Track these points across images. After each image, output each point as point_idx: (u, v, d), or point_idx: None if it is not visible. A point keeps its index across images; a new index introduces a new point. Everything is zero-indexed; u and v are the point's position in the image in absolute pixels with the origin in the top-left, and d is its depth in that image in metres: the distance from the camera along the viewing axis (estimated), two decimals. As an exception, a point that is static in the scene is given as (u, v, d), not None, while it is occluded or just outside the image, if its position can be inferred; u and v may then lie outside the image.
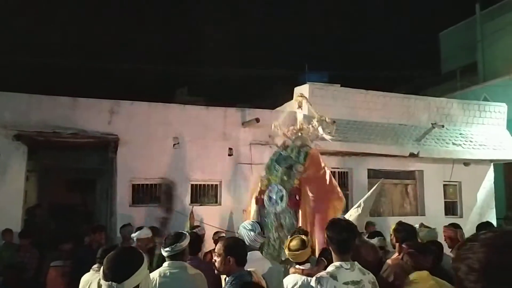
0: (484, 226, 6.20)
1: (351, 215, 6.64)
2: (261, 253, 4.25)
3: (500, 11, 15.32)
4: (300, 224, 5.95)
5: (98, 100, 9.20)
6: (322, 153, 10.47)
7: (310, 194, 6.12)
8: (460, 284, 0.87)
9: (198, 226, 7.98)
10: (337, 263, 3.01)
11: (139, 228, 6.38)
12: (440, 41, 19.40)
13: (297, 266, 3.92)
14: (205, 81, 19.61)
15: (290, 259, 4.04)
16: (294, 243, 3.99)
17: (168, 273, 3.43)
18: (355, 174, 10.88)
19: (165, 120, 9.53)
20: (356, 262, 3.05)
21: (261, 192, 6.55)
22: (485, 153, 11.53)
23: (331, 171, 10.94)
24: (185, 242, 3.56)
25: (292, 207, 6.20)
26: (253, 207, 6.71)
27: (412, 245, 3.71)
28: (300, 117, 7.33)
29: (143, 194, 9.37)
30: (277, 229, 6.26)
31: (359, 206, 6.53)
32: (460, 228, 5.83)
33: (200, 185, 9.90)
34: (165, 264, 3.51)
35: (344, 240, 3.05)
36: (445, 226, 5.96)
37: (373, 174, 11.11)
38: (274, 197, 6.39)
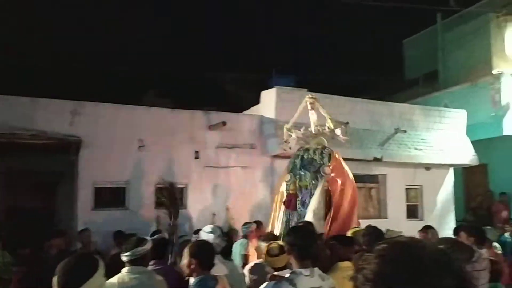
0: (427, 227, 6.49)
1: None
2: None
3: (459, 21, 15.90)
4: (329, 221, 6.06)
5: (60, 100, 8.95)
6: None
7: (335, 193, 6.31)
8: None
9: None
10: (296, 270, 2.97)
11: (156, 233, 6.19)
12: (404, 49, 19.95)
13: (275, 273, 3.89)
14: (173, 84, 19.42)
15: (269, 264, 4.00)
16: (273, 248, 3.96)
17: (127, 279, 3.30)
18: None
19: (131, 122, 9.38)
20: (316, 268, 3.02)
21: (291, 196, 6.51)
22: (445, 157, 11.93)
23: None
24: (147, 247, 3.45)
25: (327, 208, 6.30)
26: (281, 212, 6.61)
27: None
28: (313, 118, 7.34)
29: (107, 197, 9.18)
30: None
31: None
32: (433, 228, 6.10)
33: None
34: (124, 269, 3.37)
35: (304, 246, 3.02)
36: (419, 231, 6.22)
37: (338, 178, 11.27)
38: (307, 201, 6.42)
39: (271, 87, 11.34)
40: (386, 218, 11.40)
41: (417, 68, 17.93)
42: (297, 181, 6.65)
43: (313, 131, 7.24)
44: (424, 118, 12.21)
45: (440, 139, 12.12)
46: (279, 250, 3.87)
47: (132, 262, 3.36)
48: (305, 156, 6.80)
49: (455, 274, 0.90)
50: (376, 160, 11.01)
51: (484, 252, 3.85)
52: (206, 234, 3.98)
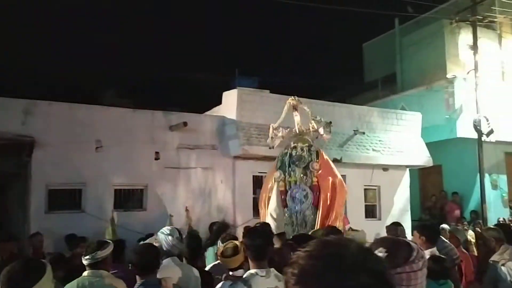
0: (396, 223, 6.76)
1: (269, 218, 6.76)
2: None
3: (416, 26, 16.44)
4: (319, 218, 6.24)
5: (11, 99, 8.59)
6: (250, 158, 10.63)
7: (325, 190, 6.65)
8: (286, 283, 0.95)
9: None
10: (252, 270, 2.98)
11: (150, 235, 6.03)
12: (363, 52, 20.42)
13: (230, 273, 3.87)
14: (134, 83, 19.07)
15: (224, 265, 3.97)
16: (227, 249, 3.92)
17: (87, 283, 3.26)
18: (281, 179, 11.08)
19: (88, 122, 9.11)
20: (272, 269, 3.03)
21: (281, 193, 6.70)
22: (402, 159, 12.27)
23: (258, 176, 11.15)
24: (107, 251, 3.41)
25: (315, 204, 6.60)
26: (271, 207, 6.73)
27: (295, 236, 3.98)
28: (297, 119, 7.58)
29: (62, 200, 8.87)
30: (300, 227, 6.33)
31: (271, 212, 6.68)
32: (401, 225, 6.31)
33: (124, 190, 9.57)
34: (85, 273, 3.35)
35: (260, 246, 3.02)
36: (387, 226, 6.46)
37: (299, 179, 11.39)
38: (298, 196, 6.65)
39: (234, 88, 11.32)
40: (345, 218, 11.60)
41: (376, 71, 18.38)
42: (287, 177, 6.88)
43: (297, 131, 7.49)
44: (382, 120, 12.52)
45: (397, 140, 12.46)
46: (233, 251, 3.86)
47: (92, 265, 3.33)
48: (293, 153, 7.06)
49: (373, 273, 0.93)
50: (336, 161, 11.17)
51: (428, 251, 3.98)
52: (164, 236, 3.91)
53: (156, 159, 9.69)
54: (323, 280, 0.90)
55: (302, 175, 6.84)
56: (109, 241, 3.69)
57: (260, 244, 3.02)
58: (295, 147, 7.19)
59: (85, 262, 3.35)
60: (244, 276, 3.01)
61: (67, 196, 8.96)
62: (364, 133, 11.83)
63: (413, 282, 1.27)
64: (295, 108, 7.64)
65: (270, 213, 6.39)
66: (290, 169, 6.94)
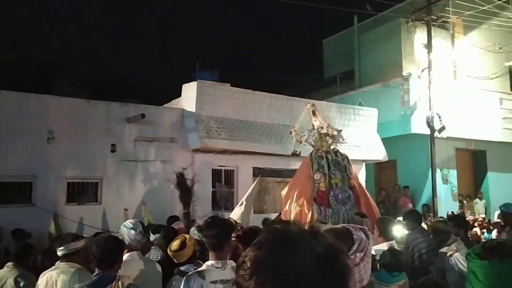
0: (362, 215, 6.92)
1: (235, 213, 6.80)
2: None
3: (374, 24, 16.81)
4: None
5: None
6: (209, 151, 10.57)
7: (362, 192, 7.41)
8: (238, 285, 0.95)
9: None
10: (209, 262, 2.99)
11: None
12: (323, 48, 20.68)
13: (180, 268, 3.84)
14: (92, 74, 18.47)
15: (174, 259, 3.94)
16: (174, 244, 3.92)
17: (57, 274, 3.36)
18: (240, 172, 11.09)
19: (39, 112, 8.76)
20: (230, 261, 3.03)
21: (323, 193, 7.12)
22: (359, 153, 12.54)
23: (217, 169, 11.10)
24: (81, 243, 3.47)
25: (357, 204, 7.20)
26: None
27: (244, 229, 4.09)
28: (317, 124, 8.26)
29: (10, 193, 8.49)
30: None
31: (241, 204, 6.74)
32: (366, 217, 6.46)
33: (78, 183, 9.28)
34: (57, 264, 3.44)
35: (217, 238, 3.02)
36: (356, 214, 6.72)
37: (258, 172, 11.42)
38: (341, 197, 7.16)
39: (194, 80, 11.18)
40: (303, 211, 11.74)
41: (335, 67, 18.65)
42: (327, 180, 7.39)
43: (317, 136, 8.16)
44: (340, 115, 12.74)
45: (355, 136, 12.72)
46: (180, 245, 3.86)
47: (66, 257, 3.42)
48: (329, 158, 7.64)
49: (323, 244, 0.95)
50: (294, 155, 11.28)
51: (386, 244, 4.09)
52: (126, 230, 3.81)
53: (112, 151, 9.45)
54: (273, 262, 0.91)
55: (341, 177, 7.45)
56: (84, 236, 3.80)
57: (217, 235, 3.01)
58: (328, 152, 7.79)
59: (59, 253, 3.44)
60: (200, 268, 3.00)
61: (16, 189, 8.60)
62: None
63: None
64: (314, 113, 8.35)
65: (244, 206, 6.52)
66: (330, 171, 7.46)
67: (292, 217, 7.16)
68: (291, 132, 8.43)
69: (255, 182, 7.32)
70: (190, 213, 9.74)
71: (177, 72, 15.81)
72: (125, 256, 3.58)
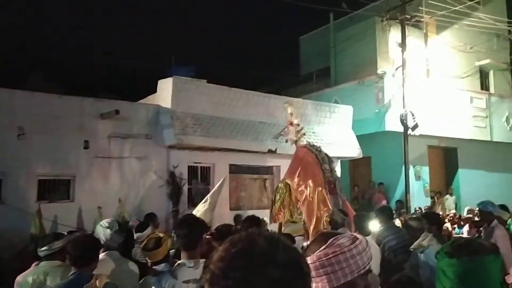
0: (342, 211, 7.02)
1: (199, 210, 6.76)
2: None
3: (349, 22, 16.97)
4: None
5: None
6: (185, 148, 10.49)
7: None
8: None
9: None
10: (181, 261, 2.97)
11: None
12: (300, 45, 20.77)
13: (153, 267, 3.78)
14: (65, 68, 18.04)
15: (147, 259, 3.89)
16: (149, 242, 3.85)
17: (42, 274, 3.32)
18: (217, 169, 11.04)
19: (8, 107, 8.51)
20: (202, 260, 2.99)
21: (331, 183, 7.08)
22: (334, 150, 12.60)
23: (194, 166, 11.03)
24: (63, 242, 3.42)
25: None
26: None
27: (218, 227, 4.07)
28: (296, 121, 8.23)
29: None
30: None
31: (205, 201, 6.71)
32: (347, 215, 6.51)
33: (50, 180, 9.07)
34: (41, 264, 3.38)
35: (189, 236, 3.00)
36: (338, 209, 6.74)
37: (235, 169, 11.42)
38: (341, 186, 7.35)
39: (170, 76, 11.05)
40: (279, 208, 11.79)
41: (312, 65, 18.76)
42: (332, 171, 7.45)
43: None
44: (316, 112, 12.82)
45: (330, 133, 12.84)
46: (155, 244, 3.80)
47: (49, 256, 3.38)
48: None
49: (282, 264, 0.94)
50: (271, 152, 11.33)
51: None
52: (102, 229, 3.74)
53: (86, 148, 9.27)
54: (231, 279, 0.91)
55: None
56: (64, 233, 3.77)
57: (189, 234, 2.99)
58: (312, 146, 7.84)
59: (41, 253, 3.39)
60: (172, 268, 2.97)
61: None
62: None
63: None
64: (292, 110, 8.39)
65: (210, 203, 6.43)
66: (332, 162, 7.54)
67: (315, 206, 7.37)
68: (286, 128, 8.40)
69: (221, 180, 7.27)
70: (179, 211, 9.68)
71: (153, 68, 15.62)
72: (101, 255, 3.53)
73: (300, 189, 7.54)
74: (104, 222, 3.86)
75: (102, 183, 9.53)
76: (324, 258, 1.36)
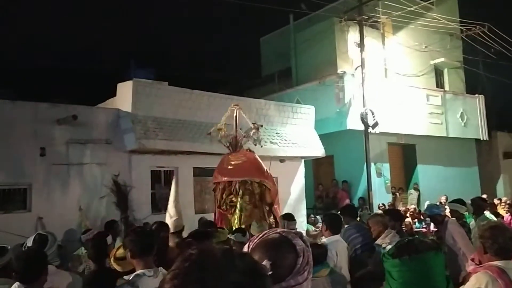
0: (287, 216, 7.04)
1: (170, 223, 6.59)
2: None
3: (309, 23, 17.19)
4: None
5: None
6: (147, 152, 10.28)
7: None
8: None
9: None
10: (139, 271, 2.89)
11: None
12: (260, 46, 20.84)
13: (125, 277, 3.63)
14: (15, 72, 17.30)
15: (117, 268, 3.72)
16: (119, 252, 3.64)
17: None
18: (180, 173, 10.88)
19: (-43, 115, 8.07)
20: (160, 268, 2.97)
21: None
22: (297, 150, 12.78)
23: (156, 171, 10.84)
24: (7, 257, 3.18)
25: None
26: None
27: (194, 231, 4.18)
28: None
29: None
30: None
31: (168, 213, 6.53)
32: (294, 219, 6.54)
33: (4, 189, 8.68)
34: None
35: (145, 245, 2.98)
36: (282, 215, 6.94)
37: (199, 172, 11.29)
38: None
39: (129, 79, 10.81)
40: (244, 209, 11.77)
41: (273, 66, 18.86)
42: None
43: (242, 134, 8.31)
44: (278, 113, 12.89)
45: (293, 133, 12.93)
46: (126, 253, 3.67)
47: None
48: None
49: (239, 274, 0.92)
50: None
51: (329, 239, 4.23)
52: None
53: (42, 155, 8.92)
54: None
55: None
56: (7, 246, 3.44)
57: (145, 243, 2.97)
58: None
59: None
60: (130, 278, 2.88)
61: None
62: (261, 126, 12.04)
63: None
64: (238, 113, 8.45)
65: (168, 211, 6.23)
66: None
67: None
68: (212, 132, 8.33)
69: (172, 185, 7.09)
70: (128, 217, 9.44)
71: (111, 71, 15.25)
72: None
73: (274, 188, 7.62)
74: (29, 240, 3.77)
75: (60, 191, 9.20)
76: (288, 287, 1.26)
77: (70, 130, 9.35)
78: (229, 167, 7.65)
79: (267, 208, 7.41)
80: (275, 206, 7.60)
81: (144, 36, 24.89)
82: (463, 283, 2.94)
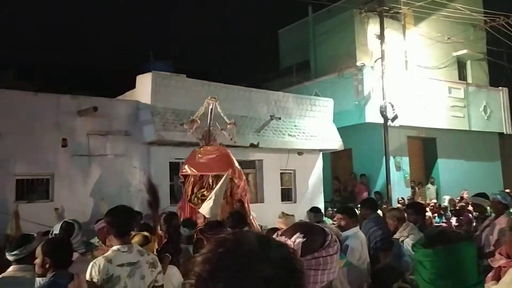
0: (314, 209, 7.04)
1: (204, 208, 6.70)
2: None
3: (328, 14, 16.99)
4: None
5: None
6: (166, 144, 10.36)
7: None
8: None
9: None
10: (115, 247, 3.11)
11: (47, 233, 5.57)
12: (279, 39, 20.73)
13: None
14: (38, 66, 17.58)
15: None
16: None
17: (12, 279, 3.13)
18: (199, 165, 10.94)
19: (-18, 106, 8.27)
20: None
21: None
22: (315, 143, 12.72)
23: (174, 163, 10.93)
24: (35, 244, 3.23)
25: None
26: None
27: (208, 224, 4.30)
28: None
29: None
30: None
31: (210, 198, 6.69)
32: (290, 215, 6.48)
33: (27, 180, 8.87)
34: (11, 268, 3.19)
35: (122, 223, 3.17)
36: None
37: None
38: None
39: (149, 71, 10.90)
40: (263, 202, 11.81)
41: (291, 58, 18.75)
42: None
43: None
44: (296, 106, 12.84)
45: (311, 126, 12.88)
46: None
47: (20, 261, 3.19)
48: None
49: (274, 262, 0.91)
50: (253, 146, 11.30)
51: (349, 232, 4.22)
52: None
53: (64, 146, 9.08)
54: (220, 281, 0.87)
55: None
56: (34, 234, 3.55)
57: (122, 221, 3.18)
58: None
59: (12, 257, 3.21)
60: (106, 254, 3.12)
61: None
62: (280, 118, 12.06)
63: (329, 266, 1.28)
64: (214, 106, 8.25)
65: (202, 208, 6.48)
66: None
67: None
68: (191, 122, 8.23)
69: (225, 176, 7.16)
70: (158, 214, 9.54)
71: (131, 63, 15.38)
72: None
73: (242, 184, 7.59)
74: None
75: (81, 182, 9.37)
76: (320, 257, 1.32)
77: (90, 121, 9.49)
78: (201, 160, 7.60)
79: (238, 204, 7.35)
80: (245, 205, 7.51)
81: (163, 29, 25.03)
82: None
